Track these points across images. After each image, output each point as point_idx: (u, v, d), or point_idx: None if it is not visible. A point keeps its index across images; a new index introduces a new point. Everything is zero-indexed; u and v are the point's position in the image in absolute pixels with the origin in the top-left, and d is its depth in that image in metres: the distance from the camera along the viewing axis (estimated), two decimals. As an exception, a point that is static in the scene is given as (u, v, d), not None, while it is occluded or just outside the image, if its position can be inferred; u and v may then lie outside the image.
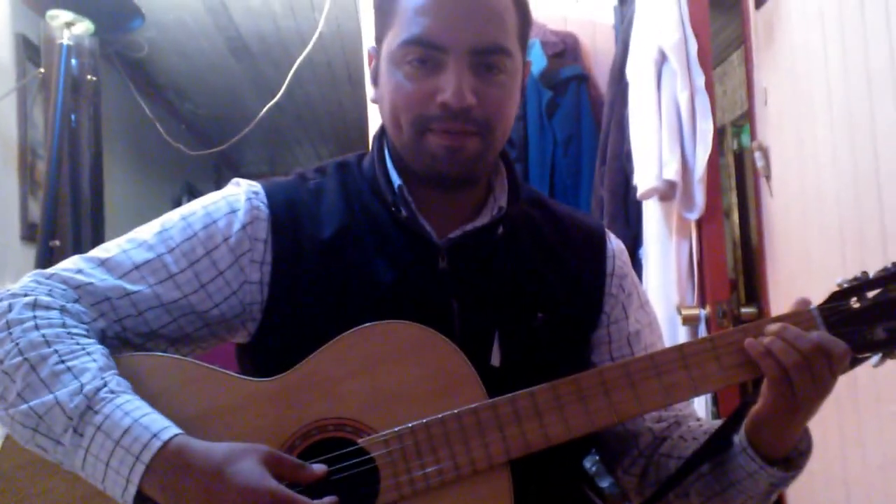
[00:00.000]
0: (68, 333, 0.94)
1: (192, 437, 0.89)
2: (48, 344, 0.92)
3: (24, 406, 0.89)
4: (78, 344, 0.93)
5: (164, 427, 0.88)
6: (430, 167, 1.04)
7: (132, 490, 0.86)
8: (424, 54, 1.00)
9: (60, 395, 0.89)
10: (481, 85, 1.01)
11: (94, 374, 0.90)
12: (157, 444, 0.87)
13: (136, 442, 0.87)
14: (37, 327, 0.94)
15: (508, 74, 1.04)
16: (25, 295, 0.97)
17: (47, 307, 0.96)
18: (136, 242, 1.04)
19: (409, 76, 1.02)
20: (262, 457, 0.89)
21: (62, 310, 0.96)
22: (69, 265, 1.02)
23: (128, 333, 1.01)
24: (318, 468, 0.92)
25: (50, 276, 1.00)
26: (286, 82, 3.54)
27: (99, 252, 1.04)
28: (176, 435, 0.88)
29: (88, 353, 0.93)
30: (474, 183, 1.10)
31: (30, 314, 0.95)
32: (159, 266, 1.03)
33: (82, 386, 0.89)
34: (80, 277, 1.00)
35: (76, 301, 0.99)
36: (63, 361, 0.91)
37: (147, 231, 1.06)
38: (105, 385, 0.90)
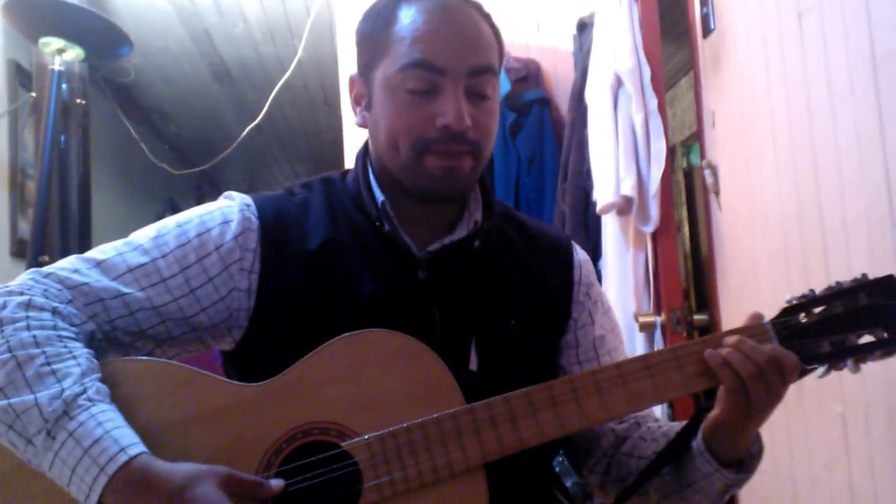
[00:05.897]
0: (58, 336, 0.92)
1: (156, 458, 0.86)
2: (38, 345, 0.90)
3: (4, 402, 0.87)
4: (66, 347, 0.91)
5: (132, 443, 0.86)
6: (427, 186, 1.04)
7: (94, 498, 0.84)
8: (425, 78, 1.01)
9: (41, 396, 0.87)
10: (473, 109, 1.02)
11: (76, 380, 0.88)
12: (123, 458, 0.84)
13: (104, 453, 0.84)
14: (28, 328, 0.92)
15: (494, 100, 1.06)
16: (21, 294, 0.95)
17: (40, 308, 0.94)
18: (131, 246, 1.03)
19: (407, 102, 1.02)
20: (220, 480, 0.87)
21: (54, 312, 0.94)
22: (66, 265, 1.00)
23: (117, 332, 0.99)
24: (276, 483, 0.91)
25: (47, 276, 0.98)
26: (266, 105, 3.51)
27: (95, 253, 1.02)
28: (142, 452, 0.86)
29: (74, 357, 0.91)
30: (462, 199, 1.10)
31: (23, 314, 0.93)
32: (153, 270, 1.01)
33: (63, 390, 0.87)
34: (76, 277, 0.98)
35: (69, 302, 0.97)
36: (49, 363, 0.89)
37: (143, 235, 1.04)
38: (84, 392, 0.88)
